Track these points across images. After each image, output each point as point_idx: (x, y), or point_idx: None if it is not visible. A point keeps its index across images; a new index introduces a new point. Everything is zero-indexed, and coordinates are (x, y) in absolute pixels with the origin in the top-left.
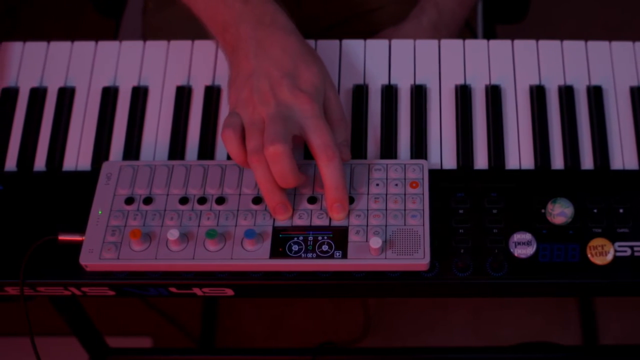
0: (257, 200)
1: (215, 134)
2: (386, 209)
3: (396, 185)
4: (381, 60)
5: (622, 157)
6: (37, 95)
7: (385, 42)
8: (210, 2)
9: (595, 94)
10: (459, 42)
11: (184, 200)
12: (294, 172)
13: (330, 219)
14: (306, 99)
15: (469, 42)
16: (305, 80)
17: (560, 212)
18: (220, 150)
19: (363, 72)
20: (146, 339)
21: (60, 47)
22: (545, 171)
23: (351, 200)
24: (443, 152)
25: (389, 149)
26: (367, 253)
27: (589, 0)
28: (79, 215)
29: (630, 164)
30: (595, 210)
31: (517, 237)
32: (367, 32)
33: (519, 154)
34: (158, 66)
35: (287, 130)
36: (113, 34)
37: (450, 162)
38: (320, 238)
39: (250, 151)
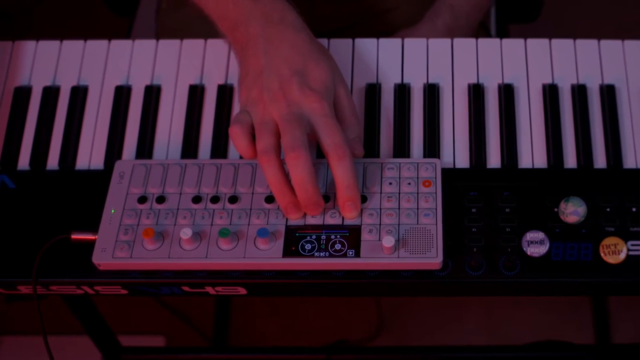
0: (270, 199)
1: (228, 133)
2: (399, 208)
3: (409, 184)
4: (394, 59)
5: (635, 156)
6: (50, 94)
7: (398, 41)
8: (220, 1)
9: (608, 93)
10: (472, 41)
11: (196, 199)
12: (313, 179)
13: (343, 218)
14: (316, 97)
15: (482, 41)
16: (315, 78)
17: (573, 210)
18: (233, 149)
19: (376, 71)
20: (159, 338)
21: (73, 46)
22: (558, 170)
23: (364, 199)
24: (456, 150)
25: (401, 148)
26: (380, 252)
27: (602, 0)
28: (92, 214)
29: None
30: (608, 209)
31: (530, 236)
32: (381, 32)
33: (532, 153)
34: (171, 65)
35: (304, 134)
36: (126, 33)
37: (463, 160)
38: (333, 237)
39: (260, 151)
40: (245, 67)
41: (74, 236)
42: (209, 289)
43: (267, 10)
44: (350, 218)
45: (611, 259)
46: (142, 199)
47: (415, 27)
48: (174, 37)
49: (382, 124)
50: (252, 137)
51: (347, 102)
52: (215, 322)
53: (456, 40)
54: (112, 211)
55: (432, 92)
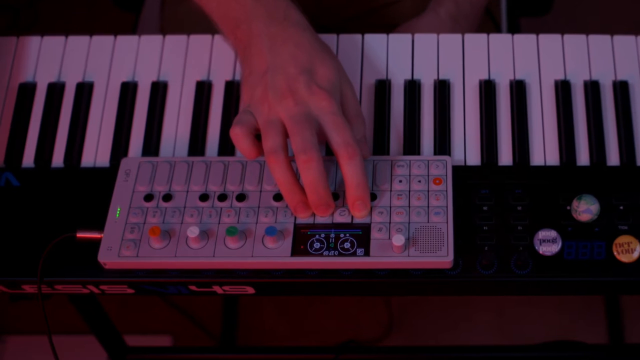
0: (278, 197)
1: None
2: (409, 206)
3: (419, 181)
4: (404, 55)
5: None
6: (55, 90)
7: (408, 36)
8: (222, 0)
9: (622, 89)
10: (483, 36)
11: (204, 197)
12: (324, 182)
13: (352, 216)
14: (324, 95)
15: (493, 37)
16: (322, 76)
17: (585, 209)
18: None
19: (386, 67)
20: (166, 338)
21: (78, 42)
22: (570, 167)
23: (373, 197)
24: (467, 148)
25: (412, 145)
26: (390, 251)
27: None
28: (98, 213)
29: None
30: (621, 207)
31: (542, 234)
32: (387, 24)
33: (544, 150)
34: (178, 61)
35: (314, 134)
36: (132, 28)
37: (474, 158)
38: (342, 235)
39: (268, 151)
40: (248, 66)
41: (80, 235)
42: (217, 289)
43: (270, 9)
44: (360, 217)
45: (624, 258)
46: (149, 197)
47: (419, 18)
48: (179, 30)
49: (392, 120)
50: (255, 137)
51: (352, 101)
52: (223, 322)
53: (467, 36)
54: (118, 209)
55: (442, 89)
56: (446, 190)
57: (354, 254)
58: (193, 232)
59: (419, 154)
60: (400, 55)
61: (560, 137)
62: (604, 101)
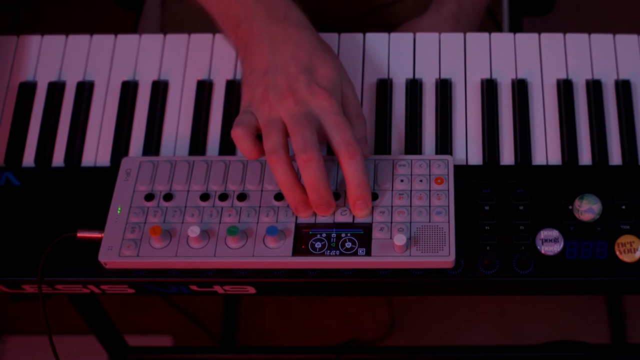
0: (279, 196)
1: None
2: (411, 206)
3: (421, 181)
4: (405, 54)
5: None
6: (55, 89)
7: (409, 35)
8: None
9: (624, 88)
10: (485, 35)
11: (204, 197)
12: (325, 181)
13: (353, 216)
14: (325, 94)
15: (495, 36)
16: (322, 75)
17: (587, 208)
18: None
19: (387, 66)
20: (167, 338)
21: (79, 41)
22: (572, 167)
23: (375, 196)
24: (469, 147)
25: (413, 145)
26: (392, 250)
27: None
28: (98, 212)
29: None
30: (623, 207)
31: (544, 234)
32: (389, 24)
33: (546, 150)
34: (178, 60)
35: (314, 134)
36: (133, 28)
37: (476, 157)
38: (343, 235)
39: (268, 151)
40: (249, 65)
41: (80, 234)
42: (218, 288)
43: (270, 8)
44: (361, 217)
45: (627, 258)
46: (149, 197)
47: (421, 18)
48: (179, 29)
49: (393, 120)
50: (257, 137)
51: (353, 101)
52: (223, 322)
53: (469, 35)
54: (119, 209)
55: (444, 88)
56: (448, 190)
57: (355, 254)
58: (194, 231)
59: (420, 153)
60: (401, 55)
61: (562, 137)
62: (606, 100)
